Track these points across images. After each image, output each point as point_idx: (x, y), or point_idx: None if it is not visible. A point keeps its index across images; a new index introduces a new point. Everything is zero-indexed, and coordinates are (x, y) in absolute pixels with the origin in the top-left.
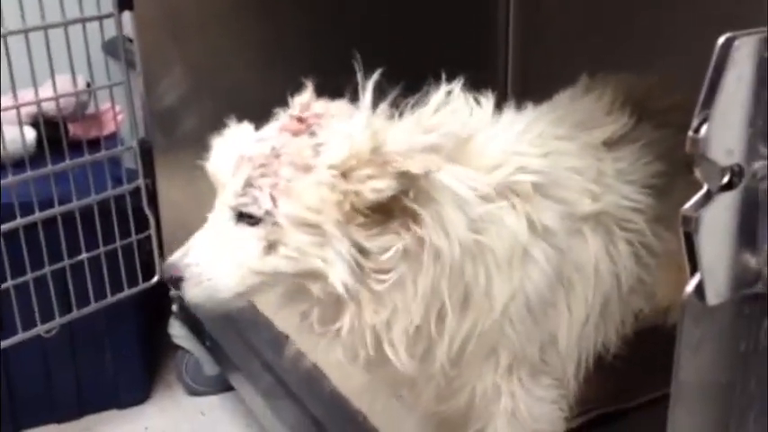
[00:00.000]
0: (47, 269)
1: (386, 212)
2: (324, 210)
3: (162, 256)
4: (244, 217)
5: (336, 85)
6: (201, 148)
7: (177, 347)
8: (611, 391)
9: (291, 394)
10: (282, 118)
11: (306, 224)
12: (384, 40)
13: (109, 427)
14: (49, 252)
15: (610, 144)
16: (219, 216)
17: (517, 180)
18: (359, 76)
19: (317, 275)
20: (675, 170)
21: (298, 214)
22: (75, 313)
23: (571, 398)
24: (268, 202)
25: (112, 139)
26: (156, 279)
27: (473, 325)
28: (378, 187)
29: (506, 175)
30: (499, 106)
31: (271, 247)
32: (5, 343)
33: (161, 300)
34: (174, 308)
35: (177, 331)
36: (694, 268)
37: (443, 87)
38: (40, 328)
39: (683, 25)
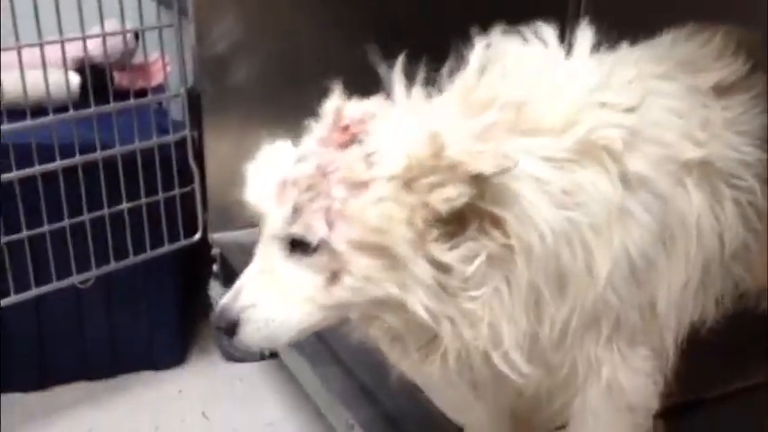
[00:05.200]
0: (85, 216)
1: (458, 219)
2: (390, 229)
3: (205, 211)
4: (297, 247)
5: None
6: (252, 100)
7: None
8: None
9: (339, 361)
10: (319, 129)
11: (371, 248)
12: None
13: (142, 389)
14: (89, 200)
15: (719, 90)
16: (269, 249)
17: (598, 137)
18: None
19: (392, 304)
20: None
21: (360, 238)
22: (112, 265)
23: (668, 371)
24: (323, 228)
25: (159, 91)
26: (198, 236)
27: (574, 304)
28: (449, 196)
29: (583, 133)
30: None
31: (334, 277)
32: (39, 291)
33: (201, 259)
34: (215, 268)
35: (217, 292)
36: None
37: (478, 43)
38: (76, 278)
39: None
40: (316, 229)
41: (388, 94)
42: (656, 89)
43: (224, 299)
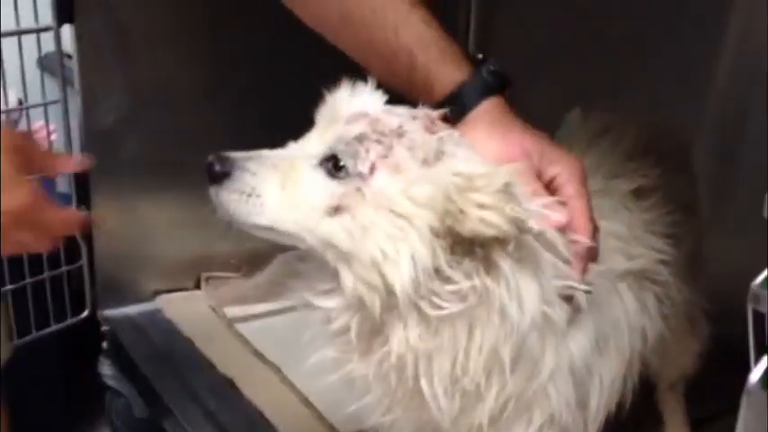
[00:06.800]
0: None
1: (469, 247)
2: (423, 208)
3: (93, 288)
4: (328, 164)
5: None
6: (141, 174)
7: (106, 387)
8: None
9: None
10: (414, 111)
11: (394, 211)
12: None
13: None
14: None
15: (638, 193)
16: (306, 148)
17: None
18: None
19: (366, 266)
20: (683, 216)
21: (394, 196)
22: None
23: None
24: (366, 166)
25: None
26: (86, 313)
27: (519, 387)
28: (490, 221)
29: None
30: None
31: (336, 211)
32: None
33: (90, 336)
34: (105, 345)
35: (107, 370)
36: (760, 352)
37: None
38: None
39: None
40: (362, 162)
41: None
42: (600, 210)
43: (240, 153)
